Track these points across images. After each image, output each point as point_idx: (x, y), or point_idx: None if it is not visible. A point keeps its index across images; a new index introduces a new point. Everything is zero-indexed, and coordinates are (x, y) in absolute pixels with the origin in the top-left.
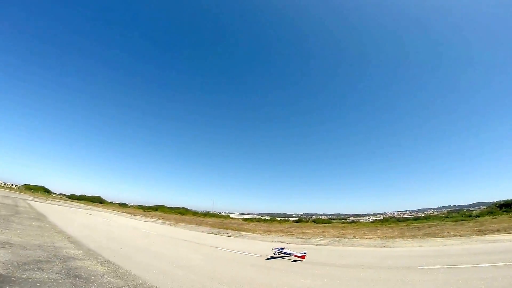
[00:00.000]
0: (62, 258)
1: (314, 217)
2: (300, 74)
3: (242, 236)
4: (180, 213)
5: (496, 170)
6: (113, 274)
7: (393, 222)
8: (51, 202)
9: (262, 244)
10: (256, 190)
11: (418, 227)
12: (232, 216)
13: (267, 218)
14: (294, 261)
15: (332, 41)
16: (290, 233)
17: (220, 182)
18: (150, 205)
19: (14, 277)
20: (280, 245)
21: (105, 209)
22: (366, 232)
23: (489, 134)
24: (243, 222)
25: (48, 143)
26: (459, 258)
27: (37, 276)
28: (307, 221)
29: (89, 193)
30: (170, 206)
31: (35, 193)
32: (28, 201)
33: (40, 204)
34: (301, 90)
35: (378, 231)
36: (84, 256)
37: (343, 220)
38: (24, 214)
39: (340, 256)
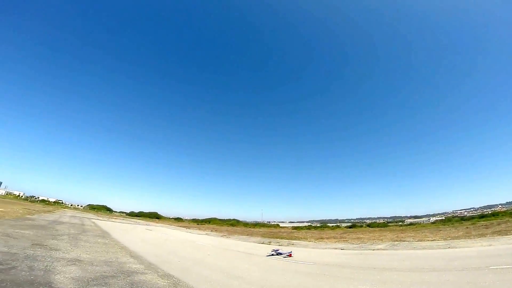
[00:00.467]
0: (126, 273)
1: (368, 221)
2: (336, 77)
3: (293, 244)
4: (232, 225)
5: None
6: (173, 287)
7: (456, 221)
8: (113, 220)
9: (315, 251)
10: (305, 197)
11: (485, 225)
12: (281, 225)
13: (318, 225)
14: (285, 256)
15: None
16: (343, 239)
17: (268, 192)
18: (203, 218)
19: None
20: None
21: (162, 224)
22: (428, 234)
23: None
24: (293, 230)
25: (108, 165)
26: None
27: None
28: (361, 226)
29: (146, 209)
30: (221, 218)
31: (98, 212)
32: (93, 220)
33: (103, 222)
34: (342, 95)
35: (441, 231)
36: (145, 270)
37: (400, 223)
38: (90, 232)
39: (400, 260)
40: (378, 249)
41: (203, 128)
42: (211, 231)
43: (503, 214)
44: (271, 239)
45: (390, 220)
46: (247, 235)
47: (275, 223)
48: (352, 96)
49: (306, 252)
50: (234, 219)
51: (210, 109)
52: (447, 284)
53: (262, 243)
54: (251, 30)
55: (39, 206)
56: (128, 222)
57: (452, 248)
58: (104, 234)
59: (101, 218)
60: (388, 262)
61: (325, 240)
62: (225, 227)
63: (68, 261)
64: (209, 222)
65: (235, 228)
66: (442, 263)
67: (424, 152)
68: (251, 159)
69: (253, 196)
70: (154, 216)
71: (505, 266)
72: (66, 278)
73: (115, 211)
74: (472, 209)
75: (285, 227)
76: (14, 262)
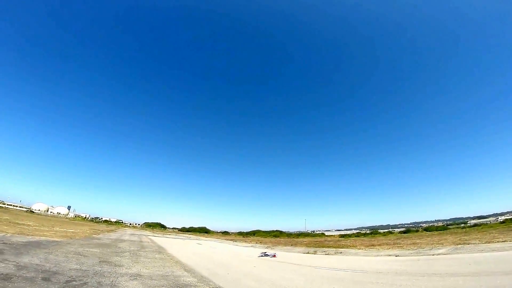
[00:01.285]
0: (181, 286)
1: (424, 225)
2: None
3: (341, 253)
4: (275, 236)
5: None
6: None
7: None
8: (167, 236)
9: (365, 259)
10: (352, 203)
11: None
12: (327, 233)
13: (368, 232)
14: (271, 257)
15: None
16: (398, 245)
17: (311, 200)
18: (248, 230)
19: None
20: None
21: (211, 238)
22: (497, 235)
23: None
24: (340, 238)
25: (160, 185)
26: None
27: None
28: (416, 231)
29: (196, 224)
30: (265, 230)
31: (154, 229)
32: (149, 237)
33: (159, 239)
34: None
35: None
36: (198, 283)
37: (462, 225)
38: (148, 248)
39: (465, 264)
40: (438, 254)
41: (244, 141)
42: (256, 243)
43: None
44: (316, 249)
45: (450, 222)
46: (291, 245)
47: (320, 232)
48: (403, 95)
49: (357, 260)
50: (277, 230)
51: (249, 122)
52: None
53: (308, 253)
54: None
55: (103, 226)
56: (180, 237)
57: None
58: (160, 250)
59: (157, 235)
60: (451, 267)
61: (377, 247)
62: (269, 239)
63: (130, 276)
64: (254, 235)
65: (278, 239)
66: None
67: (487, 143)
68: (292, 167)
69: (295, 205)
70: (203, 231)
71: None
72: None
73: (168, 228)
74: None
75: (331, 235)
76: (85, 278)
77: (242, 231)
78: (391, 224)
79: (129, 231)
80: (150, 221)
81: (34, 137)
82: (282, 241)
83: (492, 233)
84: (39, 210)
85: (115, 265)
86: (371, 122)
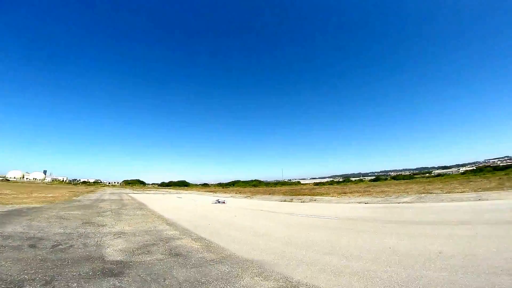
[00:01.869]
0: (164, 240)
1: (393, 174)
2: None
3: (315, 200)
4: (254, 186)
5: None
6: (206, 249)
7: (488, 172)
8: (147, 192)
9: (338, 206)
10: (326, 153)
11: None
12: (302, 182)
13: (340, 180)
14: (221, 203)
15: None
16: (368, 193)
17: (288, 149)
18: (227, 181)
19: (131, 262)
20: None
21: (191, 191)
22: (457, 185)
23: None
24: (315, 186)
25: (136, 140)
26: None
27: (148, 259)
28: (385, 179)
29: (175, 179)
30: (244, 180)
31: (133, 186)
32: (130, 194)
33: (139, 195)
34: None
35: (471, 183)
36: (180, 236)
37: (427, 175)
38: (129, 205)
39: (427, 213)
40: (403, 202)
41: (221, 92)
42: (236, 193)
43: None
44: (293, 197)
45: (417, 171)
46: (269, 194)
47: (296, 180)
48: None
49: (330, 207)
50: (256, 180)
51: (224, 75)
52: (477, 238)
53: (284, 201)
54: None
55: (81, 188)
56: (160, 192)
57: (483, 200)
58: (141, 206)
59: (137, 192)
60: (414, 216)
61: (348, 194)
62: (248, 189)
63: (114, 234)
64: (233, 185)
65: (257, 188)
66: (472, 216)
67: (451, 96)
68: (269, 118)
69: (273, 154)
70: (182, 184)
71: None
72: (115, 250)
73: (148, 184)
74: (506, 158)
75: (307, 184)
76: (71, 241)
77: (221, 182)
78: (362, 172)
79: (108, 190)
80: (129, 179)
81: (2, 99)
82: (261, 190)
83: (453, 183)
84: (14, 177)
85: (98, 225)
86: (344, 68)
